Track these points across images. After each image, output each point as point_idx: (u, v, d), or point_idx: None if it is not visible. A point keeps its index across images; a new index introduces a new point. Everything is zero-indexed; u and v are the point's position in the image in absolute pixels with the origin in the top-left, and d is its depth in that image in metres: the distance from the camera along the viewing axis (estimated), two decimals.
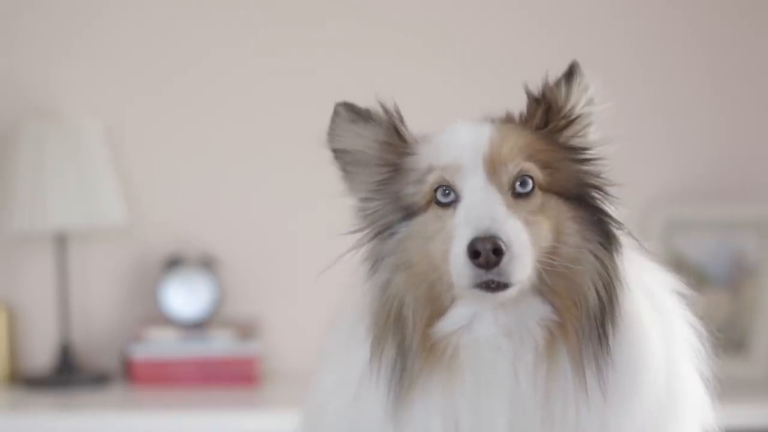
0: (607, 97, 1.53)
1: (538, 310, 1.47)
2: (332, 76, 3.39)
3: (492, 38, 3.45)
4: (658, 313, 1.51)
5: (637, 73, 3.44)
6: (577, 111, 1.52)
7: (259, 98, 3.45)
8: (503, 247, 1.40)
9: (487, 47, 3.44)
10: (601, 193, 1.50)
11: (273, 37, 3.45)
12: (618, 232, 1.49)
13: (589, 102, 1.52)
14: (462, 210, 1.45)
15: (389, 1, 3.46)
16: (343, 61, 3.43)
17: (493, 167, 1.47)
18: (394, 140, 1.52)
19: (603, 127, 1.53)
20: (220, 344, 3.31)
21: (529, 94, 1.53)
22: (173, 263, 3.36)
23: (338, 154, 1.54)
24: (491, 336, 1.46)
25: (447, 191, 1.48)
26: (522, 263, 1.41)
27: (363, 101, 1.55)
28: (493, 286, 1.41)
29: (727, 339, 3.23)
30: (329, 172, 1.57)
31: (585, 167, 1.50)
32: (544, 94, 1.52)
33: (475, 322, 1.47)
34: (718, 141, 3.47)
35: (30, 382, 3.31)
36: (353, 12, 3.46)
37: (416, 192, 1.49)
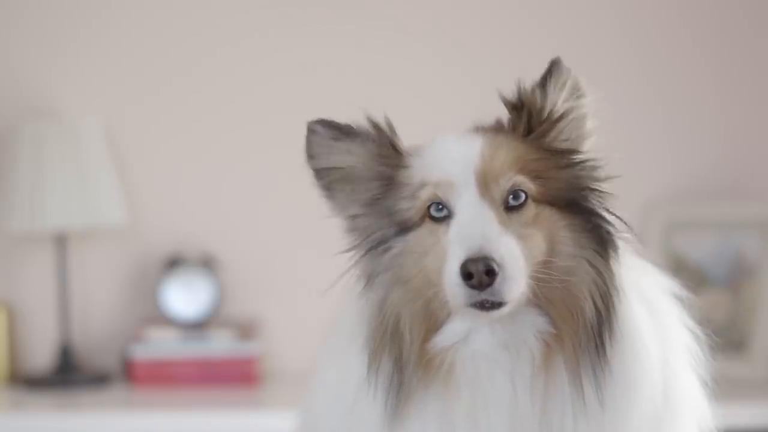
0: (592, 89, 1.51)
1: (535, 323, 1.46)
2: (333, 78, 3.38)
3: (491, 38, 3.45)
4: (655, 318, 1.50)
5: (637, 73, 3.43)
6: (558, 111, 1.49)
7: (259, 98, 3.44)
8: (496, 268, 1.39)
9: (486, 50, 3.43)
10: (594, 194, 1.48)
11: (274, 38, 3.44)
12: (614, 237, 1.48)
13: (571, 96, 1.50)
14: (455, 227, 1.44)
15: (391, 5, 3.46)
16: (344, 62, 3.42)
17: (485, 183, 1.45)
18: (389, 153, 1.50)
19: (593, 120, 1.51)
20: (220, 344, 3.31)
21: (506, 102, 1.51)
22: (173, 263, 3.36)
23: (322, 172, 1.52)
24: (488, 349, 1.46)
25: (440, 207, 1.47)
26: (515, 282, 1.40)
27: (355, 107, 1.53)
28: (487, 305, 1.41)
29: (727, 339, 3.23)
30: (315, 186, 1.54)
31: (576, 171, 1.48)
32: (521, 100, 1.50)
33: (471, 336, 1.47)
34: (719, 141, 3.46)
35: (30, 382, 3.30)
36: (354, 14, 3.45)
37: (410, 207, 1.48)
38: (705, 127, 3.46)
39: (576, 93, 1.50)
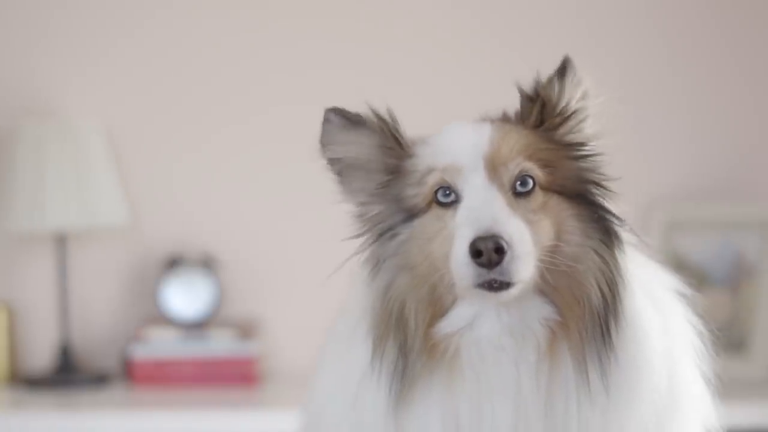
0: (601, 90, 1.53)
1: (541, 310, 1.47)
2: (331, 76, 3.39)
3: (496, 34, 3.45)
4: (658, 312, 1.51)
5: (638, 73, 3.44)
6: (572, 107, 1.51)
7: (259, 98, 3.45)
8: (505, 246, 1.39)
9: (490, 46, 3.44)
10: (600, 188, 1.49)
11: (273, 37, 3.45)
12: (619, 229, 1.49)
13: (584, 96, 1.52)
14: (463, 210, 1.45)
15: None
16: (346, 59, 3.43)
17: (493, 167, 1.46)
18: (392, 144, 1.52)
19: (601, 121, 1.53)
20: (220, 344, 3.31)
21: (522, 93, 1.52)
22: (173, 263, 3.36)
23: (333, 161, 1.54)
24: (493, 335, 1.47)
25: (447, 192, 1.47)
26: (524, 262, 1.41)
27: (358, 101, 1.54)
28: (495, 285, 1.41)
29: (727, 339, 3.23)
30: (328, 173, 1.56)
31: (584, 164, 1.50)
32: (537, 92, 1.52)
33: (477, 321, 1.47)
34: (720, 141, 3.47)
35: (30, 382, 3.30)
36: (351, 10, 3.45)
37: (417, 194, 1.49)
38: (706, 128, 3.46)
39: (588, 93, 1.52)
